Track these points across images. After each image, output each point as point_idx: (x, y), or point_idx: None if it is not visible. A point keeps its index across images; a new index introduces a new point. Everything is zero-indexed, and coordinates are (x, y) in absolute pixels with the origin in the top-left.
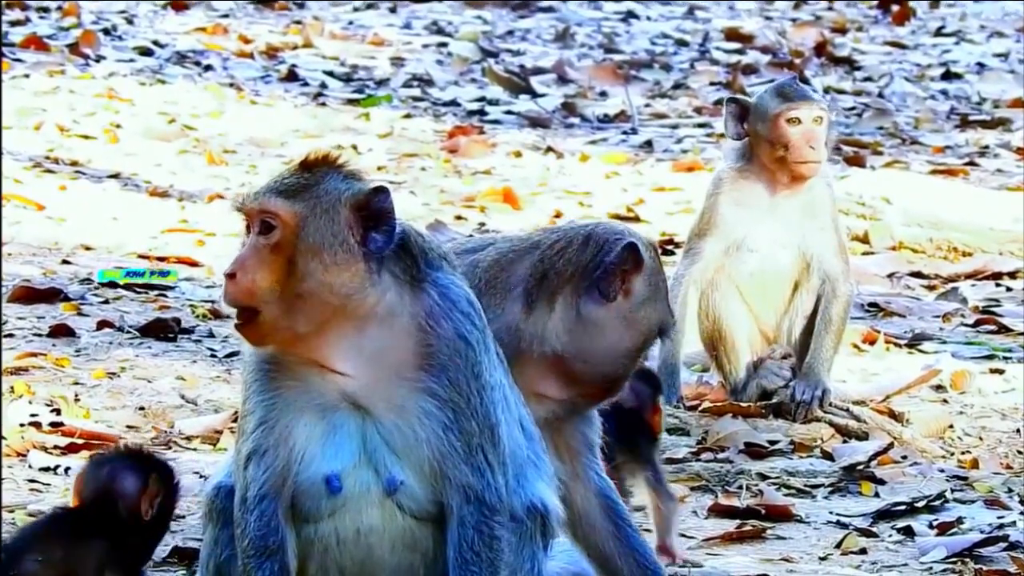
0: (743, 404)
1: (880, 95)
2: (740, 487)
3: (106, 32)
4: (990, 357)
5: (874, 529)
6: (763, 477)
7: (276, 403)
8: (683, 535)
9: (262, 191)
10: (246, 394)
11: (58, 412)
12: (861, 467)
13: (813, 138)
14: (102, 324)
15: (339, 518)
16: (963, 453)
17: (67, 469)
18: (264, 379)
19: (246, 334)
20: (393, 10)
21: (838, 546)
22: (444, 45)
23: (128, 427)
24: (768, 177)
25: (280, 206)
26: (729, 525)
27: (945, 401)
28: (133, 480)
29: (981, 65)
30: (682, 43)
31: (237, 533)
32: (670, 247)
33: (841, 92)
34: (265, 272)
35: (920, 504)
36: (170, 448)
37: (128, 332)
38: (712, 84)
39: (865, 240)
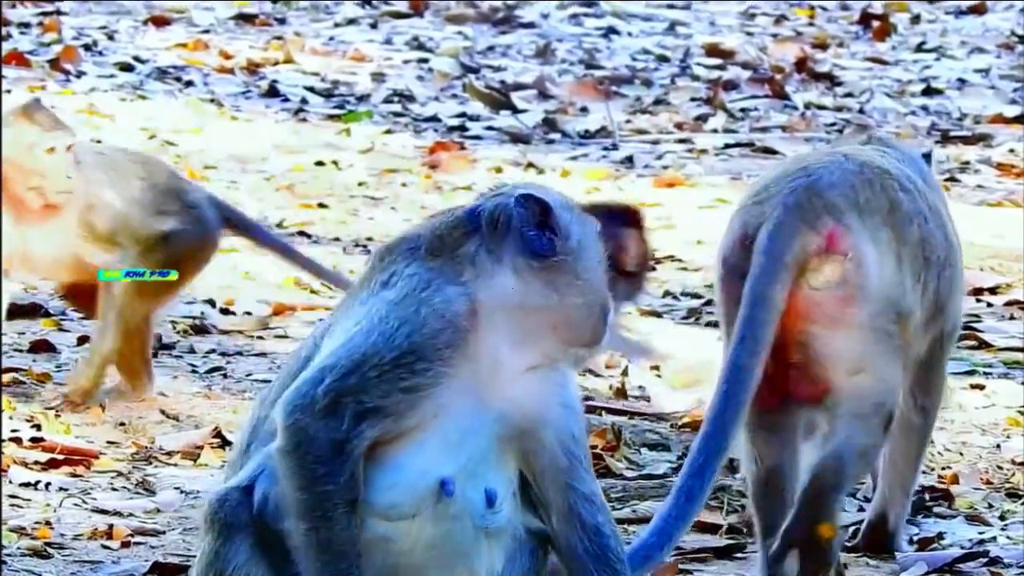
0: None
1: (861, 111)
2: (721, 503)
3: (87, 48)
4: (971, 372)
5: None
6: (743, 494)
7: (440, 381)
8: None
9: None
10: (406, 349)
11: (38, 428)
12: None
13: None
14: (82, 339)
15: (417, 521)
16: (943, 468)
17: (47, 485)
18: (450, 351)
19: None
20: (374, 26)
21: None
22: (425, 61)
23: (108, 442)
24: None
25: None
26: (710, 540)
27: None
28: None
29: (962, 81)
30: (663, 59)
31: (319, 472)
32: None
33: (822, 108)
34: None
35: None
36: (150, 463)
37: None
38: (693, 100)
39: None
